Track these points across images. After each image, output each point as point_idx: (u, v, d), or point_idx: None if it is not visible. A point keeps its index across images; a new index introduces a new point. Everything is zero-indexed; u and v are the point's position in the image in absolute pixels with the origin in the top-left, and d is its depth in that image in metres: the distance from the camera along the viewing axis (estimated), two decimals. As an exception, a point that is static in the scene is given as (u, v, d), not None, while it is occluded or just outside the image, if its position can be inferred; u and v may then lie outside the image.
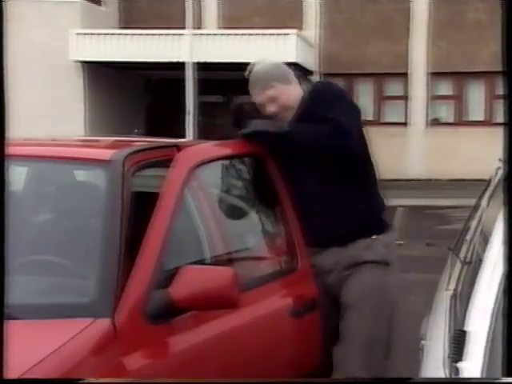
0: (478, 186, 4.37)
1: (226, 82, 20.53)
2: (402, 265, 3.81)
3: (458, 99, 21.14)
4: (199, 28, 19.11)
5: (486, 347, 2.01)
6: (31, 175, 3.49)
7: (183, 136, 14.79)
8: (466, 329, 2.12)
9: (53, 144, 3.67)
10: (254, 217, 3.91)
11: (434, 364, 2.34)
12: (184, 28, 17.12)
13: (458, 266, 3.20)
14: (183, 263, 2.84)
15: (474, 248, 3.07)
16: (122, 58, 18.55)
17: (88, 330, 2.49)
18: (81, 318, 2.53)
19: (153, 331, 2.66)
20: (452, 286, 3.02)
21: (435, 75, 20.72)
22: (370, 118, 19.92)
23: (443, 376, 2.12)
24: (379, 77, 20.89)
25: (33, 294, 2.74)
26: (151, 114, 21.69)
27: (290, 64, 4.22)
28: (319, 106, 3.64)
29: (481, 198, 3.92)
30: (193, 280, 2.71)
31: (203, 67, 16.60)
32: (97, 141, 4.59)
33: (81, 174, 3.51)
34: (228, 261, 3.24)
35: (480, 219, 3.41)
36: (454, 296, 2.85)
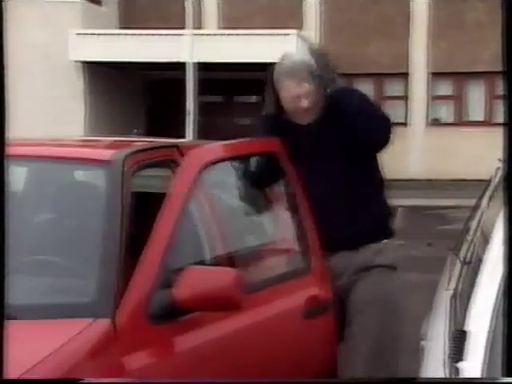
0: (478, 186, 4.38)
1: (226, 81, 20.56)
2: (403, 265, 3.81)
3: (458, 99, 21.13)
4: (199, 28, 19.10)
5: (486, 347, 2.01)
6: (31, 175, 3.48)
7: (183, 136, 14.78)
8: (465, 329, 2.12)
9: (53, 144, 3.67)
10: (267, 217, 3.85)
11: (434, 364, 2.34)
12: (184, 28, 17.11)
13: (458, 266, 3.20)
14: (191, 263, 2.83)
15: (474, 248, 3.07)
16: (122, 58, 18.54)
17: (88, 331, 2.49)
18: (81, 318, 2.52)
19: (155, 331, 2.65)
20: (452, 286, 3.03)
21: (435, 75, 20.72)
22: (370, 118, 19.87)
23: (443, 376, 2.12)
24: (379, 77, 20.87)
25: (33, 294, 2.74)
26: (151, 114, 21.68)
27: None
28: (350, 106, 3.58)
29: (481, 198, 3.92)
30: (196, 281, 2.69)
31: (203, 67, 16.58)
32: (97, 141, 4.60)
33: (81, 174, 3.50)
34: (239, 261, 3.22)
35: (480, 219, 3.41)
36: (453, 296, 2.85)
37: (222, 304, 2.72)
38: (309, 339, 3.43)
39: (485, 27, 18.95)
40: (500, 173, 3.64)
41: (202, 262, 3.03)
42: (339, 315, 3.52)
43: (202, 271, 2.79)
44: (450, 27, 20.36)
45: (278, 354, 3.21)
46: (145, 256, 2.71)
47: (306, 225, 3.51)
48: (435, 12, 20.43)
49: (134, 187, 2.97)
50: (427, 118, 21.17)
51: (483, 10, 19.49)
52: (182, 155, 3.34)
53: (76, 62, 18.96)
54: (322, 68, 3.58)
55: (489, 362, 1.97)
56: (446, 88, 21.11)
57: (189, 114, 16.45)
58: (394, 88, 21.16)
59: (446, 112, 21.30)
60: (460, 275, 3.01)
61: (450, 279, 3.22)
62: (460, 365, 2.03)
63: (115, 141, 4.00)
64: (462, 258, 3.22)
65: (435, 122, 21.14)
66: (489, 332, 2.03)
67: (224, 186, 3.55)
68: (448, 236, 5.42)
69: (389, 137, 3.58)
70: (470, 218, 3.87)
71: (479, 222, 3.40)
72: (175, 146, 3.37)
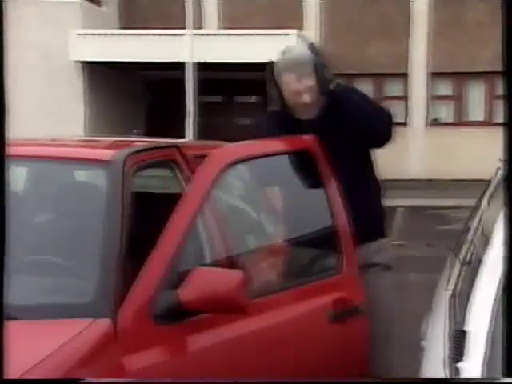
0: (479, 186, 4.38)
1: (225, 81, 20.55)
2: (403, 265, 3.81)
3: (458, 99, 21.13)
4: (199, 28, 19.08)
5: (485, 347, 2.01)
6: (31, 175, 3.48)
7: (183, 136, 14.77)
8: (465, 329, 2.12)
9: (53, 144, 3.67)
10: (296, 216, 3.69)
11: (434, 364, 2.34)
12: (184, 28, 17.10)
13: (458, 266, 3.21)
14: (202, 264, 2.80)
15: (474, 248, 3.07)
16: (122, 58, 18.53)
17: (88, 331, 2.49)
18: (81, 319, 2.52)
19: (159, 332, 2.62)
20: (452, 286, 3.03)
21: (435, 75, 20.71)
22: (370, 118, 19.87)
23: (443, 376, 2.12)
24: (379, 77, 20.86)
25: (33, 294, 2.74)
26: (151, 115, 21.67)
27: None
28: (352, 102, 3.58)
29: (481, 198, 3.92)
30: (202, 282, 2.65)
31: (203, 67, 16.58)
32: (97, 141, 4.60)
33: (81, 175, 3.50)
34: (264, 260, 3.19)
35: (480, 219, 3.41)
36: (453, 296, 2.85)
37: (225, 307, 2.67)
38: (335, 344, 3.29)
39: (485, 27, 18.94)
40: (500, 173, 3.64)
41: (212, 263, 2.98)
42: None
43: (209, 272, 2.75)
44: (450, 27, 20.35)
45: (294, 359, 3.10)
46: (154, 255, 2.68)
47: (339, 224, 3.39)
48: (435, 12, 20.43)
49: (134, 187, 2.97)
50: (427, 118, 21.16)
51: (483, 9, 19.48)
52: (182, 155, 3.34)
53: (76, 62, 18.95)
54: (323, 64, 3.59)
55: (489, 362, 1.97)
56: (445, 88, 21.10)
57: (189, 114, 16.44)
58: (393, 88, 21.15)
59: (445, 112, 21.29)
60: (460, 275, 3.01)
61: (449, 279, 3.22)
62: (460, 365, 2.03)
63: (115, 141, 4.00)
64: (461, 258, 3.22)
65: (435, 122, 21.13)
66: (488, 332, 2.03)
67: (250, 184, 3.45)
68: (448, 236, 5.42)
69: (391, 132, 3.60)
70: (470, 218, 3.87)
71: (479, 222, 3.40)
72: (175, 146, 3.37)
